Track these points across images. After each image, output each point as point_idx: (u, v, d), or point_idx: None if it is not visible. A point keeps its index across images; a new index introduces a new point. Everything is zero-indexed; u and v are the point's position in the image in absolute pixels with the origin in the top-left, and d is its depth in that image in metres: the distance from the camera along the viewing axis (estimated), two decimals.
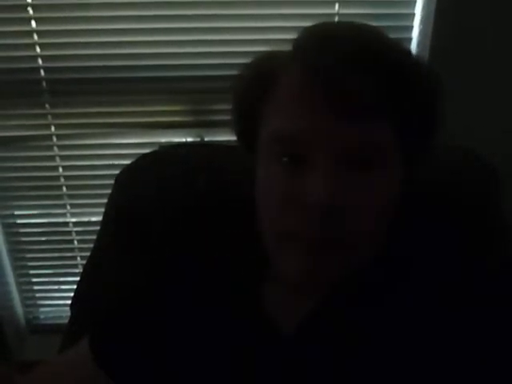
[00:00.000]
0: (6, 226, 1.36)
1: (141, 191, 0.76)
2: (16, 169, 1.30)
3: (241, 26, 1.15)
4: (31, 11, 1.13)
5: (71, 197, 1.33)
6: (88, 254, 0.79)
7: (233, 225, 0.67)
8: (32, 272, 1.45)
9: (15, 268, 1.42)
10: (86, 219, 1.36)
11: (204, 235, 0.69)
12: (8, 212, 1.35)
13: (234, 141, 0.58)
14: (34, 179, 1.31)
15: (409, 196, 0.52)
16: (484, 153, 0.72)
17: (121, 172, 0.79)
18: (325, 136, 0.45)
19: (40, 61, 1.17)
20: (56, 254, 1.41)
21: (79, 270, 1.41)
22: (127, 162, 0.79)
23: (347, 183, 0.45)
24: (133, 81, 1.18)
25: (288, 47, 0.50)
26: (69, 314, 0.78)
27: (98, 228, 0.79)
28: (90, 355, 0.58)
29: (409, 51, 0.52)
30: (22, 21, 1.14)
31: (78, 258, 1.41)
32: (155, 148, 0.81)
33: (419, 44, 1.15)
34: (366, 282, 0.52)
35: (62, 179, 1.30)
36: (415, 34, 1.16)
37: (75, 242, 1.39)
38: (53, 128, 1.24)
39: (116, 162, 1.25)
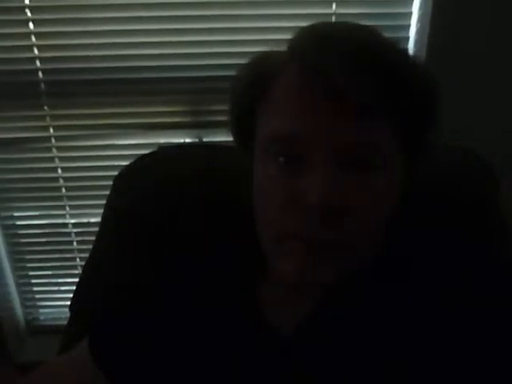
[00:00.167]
0: (6, 227, 1.36)
1: (140, 192, 0.76)
2: (15, 170, 1.29)
3: (238, 27, 1.15)
4: (29, 13, 1.12)
5: (70, 198, 1.32)
6: (87, 254, 0.79)
7: (231, 225, 0.67)
8: (31, 273, 1.44)
9: (15, 269, 1.42)
10: (85, 220, 1.36)
11: (203, 236, 0.69)
12: (7, 213, 1.35)
13: (232, 141, 0.58)
14: (33, 181, 1.30)
15: (409, 196, 0.52)
16: (484, 153, 0.72)
17: (120, 173, 0.79)
18: (323, 136, 0.45)
19: (38, 63, 1.17)
20: (55, 255, 1.40)
21: (79, 270, 1.41)
22: (126, 162, 0.79)
23: (346, 183, 0.45)
24: (131, 82, 1.18)
25: (285, 47, 0.50)
26: (68, 315, 0.78)
27: (97, 229, 0.79)
28: (90, 356, 0.58)
29: (406, 51, 0.52)
30: (19, 23, 1.14)
31: (78, 259, 1.41)
32: (154, 149, 0.81)
33: (416, 43, 1.14)
34: (366, 282, 0.51)
35: (61, 180, 1.30)
36: (412, 32, 1.15)
37: (74, 243, 1.38)
38: (51, 129, 1.24)
39: (115, 163, 1.25)
